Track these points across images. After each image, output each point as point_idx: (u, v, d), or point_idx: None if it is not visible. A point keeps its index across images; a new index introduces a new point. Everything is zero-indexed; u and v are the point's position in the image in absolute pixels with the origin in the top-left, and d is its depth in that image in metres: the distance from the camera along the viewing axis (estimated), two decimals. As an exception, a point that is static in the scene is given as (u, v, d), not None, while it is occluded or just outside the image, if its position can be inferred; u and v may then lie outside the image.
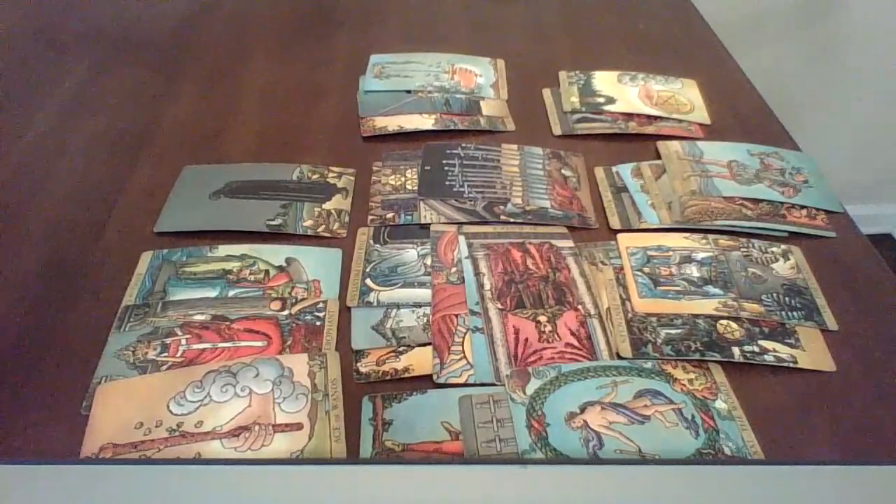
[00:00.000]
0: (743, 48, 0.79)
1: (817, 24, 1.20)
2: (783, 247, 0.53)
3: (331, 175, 0.58)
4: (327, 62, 0.74)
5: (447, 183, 0.57)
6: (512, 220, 0.54)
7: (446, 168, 0.59)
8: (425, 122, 0.64)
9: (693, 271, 0.51)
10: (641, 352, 0.45)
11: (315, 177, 0.58)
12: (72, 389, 0.42)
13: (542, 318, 0.47)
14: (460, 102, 0.67)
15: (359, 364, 0.44)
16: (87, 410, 0.40)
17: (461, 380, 0.43)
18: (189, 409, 0.40)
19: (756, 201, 0.56)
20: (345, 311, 0.47)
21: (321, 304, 0.47)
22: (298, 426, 0.40)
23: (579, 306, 0.48)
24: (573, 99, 0.68)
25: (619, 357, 0.45)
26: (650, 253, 0.52)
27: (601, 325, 0.47)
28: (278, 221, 0.53)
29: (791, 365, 0.45)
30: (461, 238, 0.53)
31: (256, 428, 0.40)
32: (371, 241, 0.52)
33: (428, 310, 0.47)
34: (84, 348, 0.44)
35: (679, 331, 0.46)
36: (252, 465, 0.35)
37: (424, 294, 0.48)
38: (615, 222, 0.55)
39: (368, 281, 0.49)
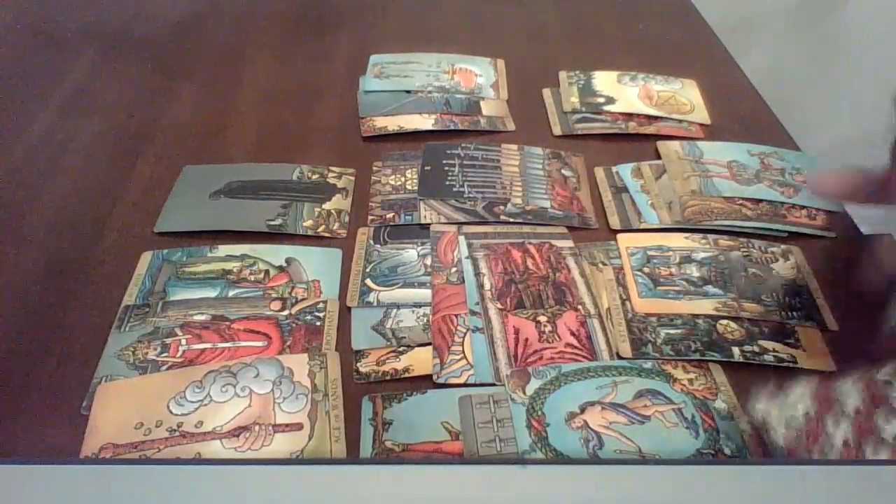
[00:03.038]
0: (743, 48, 0.79)
1: (817, 24, 1.20)
2: (783, 247, 0.53)
3: (331, 175, 0.58)
4: (327, 62, 0.74)
5: (447, 183, 0.57)
6: (512, 220, 0.54)
7: (446, 168, 0.59)
8: (425, 122, 0.64)
9: (693, 271, 0.51)
10: (641, 352, 0.45)
11: (315, 177, 0.58)
12: (72, 389, 0.42)
13: (542, 318, 0.47)
14: (460, 102, 0.67)
15: (359, 364, 0.44)
16: (87, 410, 0.40)
17: (461, 380, 0.43)
18: (189, 409, 0.40)
19: (756, 201, 0.56)
20: (345, 311, 0.47)
21: (321, 304, 0.47)
22: (298, 426, 0.40)
23: (579, 306, 0.48)
24: (573, 99, 0.68)
25: (619, 357, 0.45)
26: (650, 253, 0.52)
27: (601, 325, 0.47)
28: (278, 221, 0.53)
29: (791, 365, 0.45)
30: (461, 238, 0.53)
31: (256, 428, 0.40)
32: (371, 241, 0.52)
33: (428, 310, 0.47)
34: (84, 348, 0.44)
35: (679, 331, 0.46)
36: (252, 465, 0.35)
37: (424, 294, 0.48)
38: (615, 222, 0.55)
39: (368, 281, 0.49)
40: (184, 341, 0.44)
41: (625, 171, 0.60)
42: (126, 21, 0.80)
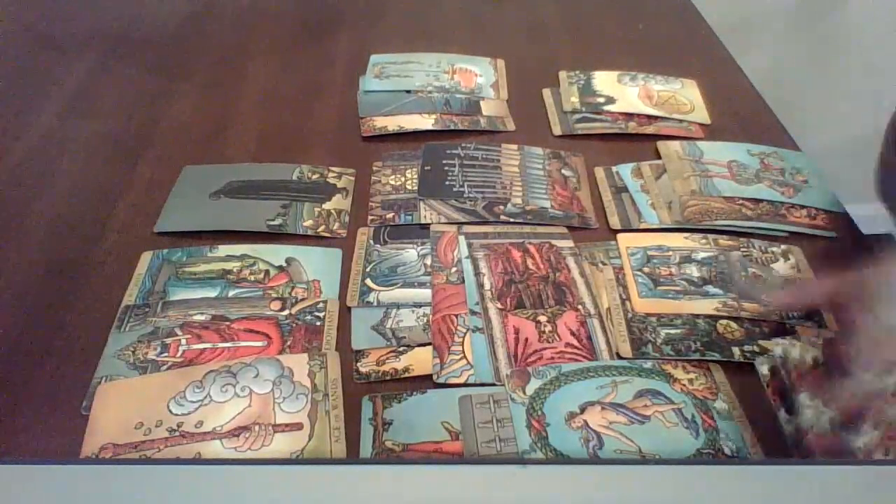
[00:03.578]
0: (743, 48, 0.79)
1: (817, 24, 1.20)
2: (783, 247, 0.53)
3: (331, 175, 0.59)
4: (327, 62, 0.74)
5: (447, 183, 0.57)
6: (512, 220, 0.54)
7: (446, 168, 0.59)
8: (425, 122, 0.64)
9: (693, 271, 0.51)
10: (641, 352, 0.45)
11: (315, 177, 0.58)
12: (72, 389, 0.42)
13: (542, 318, 0.47)
14: (460, 102, 0.67)
15: (359, 364, 0.44)
16: (87, 410, 0.40)
17: (461, 380, 0.43)
18: (189, 409, 0.40)
19: (756, 201, 0.56)
20: (345, 311, 0.47)
21: (321, 304, 0.47)
22: (298, 426, 0.40)
23: (579, 306, 0.48)
24: (573, 99, 0.68)
25: (619, 357, 0.45)
26: (650, 253, 0.52)
27: (601, 325, 0.47)
28: (278, 221, 0.53)
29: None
30: (461, 238, 0.53)
31: (256, 428, 0.40)
32: (371, 241, 0.52)
33: (428, 310, 0.47)
34: (84, 348, 0.44)
35: (679, 331, 0.46)
36: (252, 465, 0.35)
37: (424, 294, 0.48)
38: (615, 222, 0.55)
39: (368, 281, 0.49)
40: (184, 341, 0.44)
41: (625, 171, 0.60)
42: (126, 24, 0.80)
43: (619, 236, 0.54)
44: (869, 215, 0.54)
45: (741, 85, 0.73)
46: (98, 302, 0.47)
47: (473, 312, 0.47)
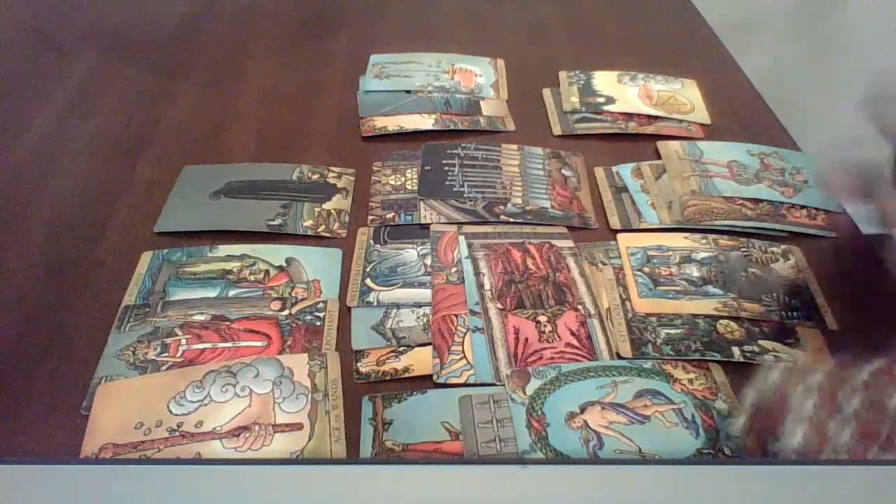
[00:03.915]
0: (743, 48, 0.79)
1: (817, 24, 1.20)
2: (783, 247, 0.53)
3: (331, 175, 0.59)
4: (327, 62, 0.74)
5: (447, 183, 0.57)
6: (512, 220, 0.54)
7: (446, 168, 0.59)
8: (425, 122, 0.64)
9: (693, 271, 0.51)
10: (641, 352, 0.45)
11: (315, 177, 0.58)
12: (72, 389, 0.42)
13: (542, 318, 0.47)
14: (460, 102, 0.67)
15: (359, 364, 0.44)
16: (87, 410, 0.40)
17: (461, 380, 0.43)
18: (189, 409, 0.40)
19: (756, 201, 0.56)
20: (345, 311, 0.47)
21: (321, 304, 0.47)
22: (298, 426, 0.40)
23: (579, 306, 0.48)
24: (573, 99, 0.68)
25: (619, 357, 0.45)
26: (650, 253, 0.52)
27: (601, 325, 0.47)
28: (278, 221, 0.53)
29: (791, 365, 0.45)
30: (461, 238, 0.53)
31: (256, 428, 0.40)
32: (371, 241, 0.52)
33: (428, 310, 0.47)
34: (84, 348, 0.44)
35: (679, 331, 0.46)
36: (252, 465, 0.35)
37: (424, 294, 0.48)
38: (615, 222, 0.55)
39: (368, 281, 0.49)
40: (184, 341, 0.44)
41: (625, 171, 0.60)
42: (126, 23, 0.80)
43: (619, 236, 0.54)
44: (869, 215, 0.54)
45: (741, 85, 0.73)
46: (98, 302, 0.47)
47: (473, 312, 0.47)
